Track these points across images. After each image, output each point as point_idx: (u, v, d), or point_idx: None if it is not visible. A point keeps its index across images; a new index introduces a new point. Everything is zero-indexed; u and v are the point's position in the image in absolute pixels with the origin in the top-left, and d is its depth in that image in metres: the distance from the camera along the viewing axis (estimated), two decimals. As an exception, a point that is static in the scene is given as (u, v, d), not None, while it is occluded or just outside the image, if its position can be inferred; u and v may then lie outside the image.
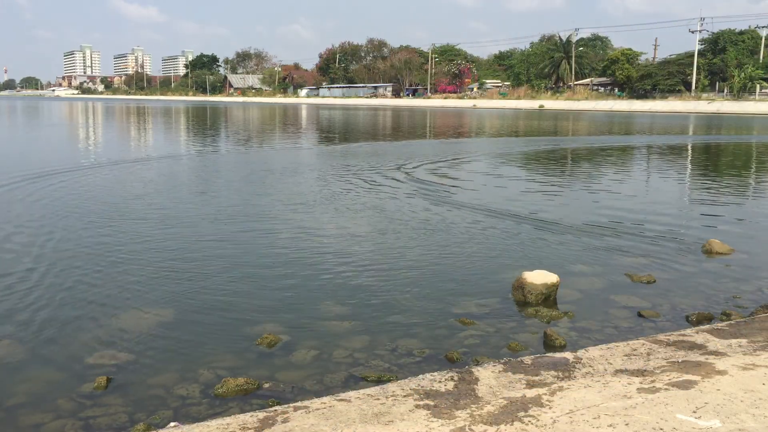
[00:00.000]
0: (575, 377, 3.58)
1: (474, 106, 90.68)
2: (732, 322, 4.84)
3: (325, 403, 3.28)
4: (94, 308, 5.67)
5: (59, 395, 4.11)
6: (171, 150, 22.66)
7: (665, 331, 4.93)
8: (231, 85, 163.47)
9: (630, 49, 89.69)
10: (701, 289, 6.37)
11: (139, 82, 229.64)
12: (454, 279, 6.61)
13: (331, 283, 6.45)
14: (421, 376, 3.66)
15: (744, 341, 4.14)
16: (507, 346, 4.87)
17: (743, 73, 71.69)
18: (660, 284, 6.47)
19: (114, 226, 9.09)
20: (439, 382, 3.54)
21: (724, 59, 77.63)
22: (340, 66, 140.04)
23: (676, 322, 5.43)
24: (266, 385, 4.23)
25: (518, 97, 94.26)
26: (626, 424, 2.94)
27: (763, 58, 76.94)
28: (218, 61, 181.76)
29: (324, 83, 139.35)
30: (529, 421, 2.99)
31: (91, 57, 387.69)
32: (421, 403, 3.24)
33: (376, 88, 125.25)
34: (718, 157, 22.50)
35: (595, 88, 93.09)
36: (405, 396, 3.34)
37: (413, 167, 16.56)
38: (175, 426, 3.47)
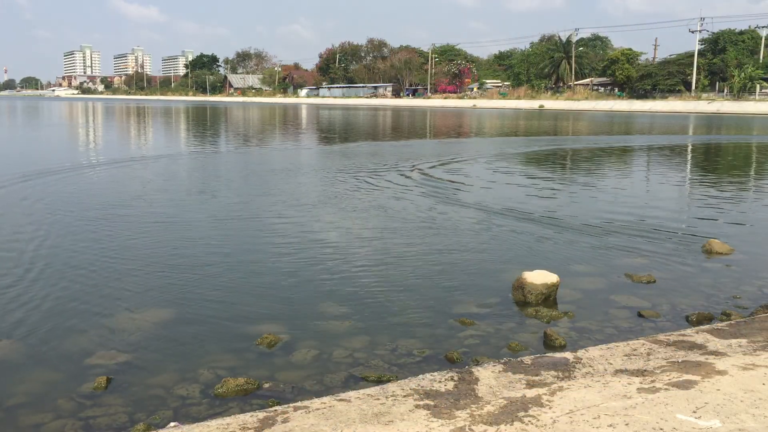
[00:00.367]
0: (575, 377, 3.58)
1: (474, 106, 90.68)
2: (732, 322, 4.84)
3: (325, 403, 3.28)
4: (94, 308, 5.67)
5: (59, 395, 4.11)
6: (171, 150, 22.66)
7: (665, 331, 4.93)
8: (231, 85, 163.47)
9: (630, 49, 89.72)
10: (701, 289, 6.36)
11: (139, 82, 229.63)
12: (454, 279, 6.61)
13: (331, 283, 6.45)
14: (421, 376, 3.66)
15: (744, 341, 4.14)
16: (507, 346, 4.87)
17: (743, 73, 71.69)
18: (660, 284, 6.47)
19: (114, 225, 9.09)
20: (439, 382, 3.54)
21: (724, 59, 77.63)
22: (340, 66, 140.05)
23: (676, 322, 5.43)
24: (266, 385, 4.23)
25: (518, 97, 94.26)
26: (626, 424, 2.94)
27: (763, 58, 76.95)
28: (218, 61, 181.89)
29: (324, 83, 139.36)
30: (529, 421, 2.99)
31: (91, 57, 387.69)
32: (421, 403, 3.24)
33: (376, 88, 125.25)
34: (718, 157, 22.50)
35: (595, 88, 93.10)
36: (405, 396, 3.34)
37: (414, 167, 16.56)
38: (175, 426, 3.47)
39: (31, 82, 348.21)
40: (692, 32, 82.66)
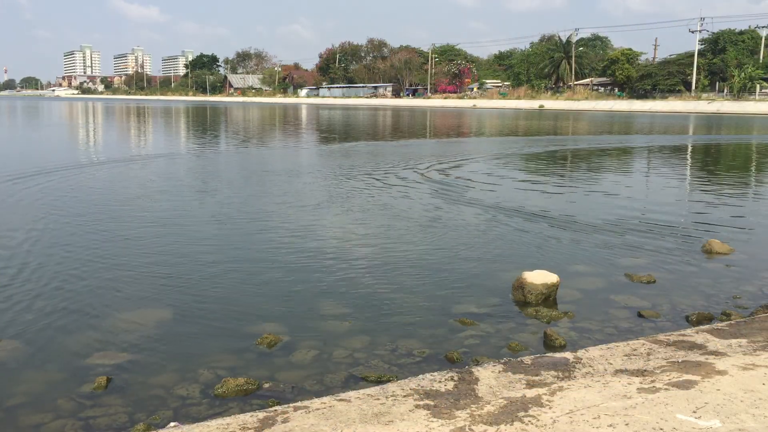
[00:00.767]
0: (575, 377, 3.58)
1: (474, 106, 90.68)
2: (732, 322, 4.84)
3: (325, 403, 3.28)
4: (94, 308, 5.67)
5: (59, 395, 4.11)
6: (171, 149, 22.67)
7: (665, 331, 4.93)
8: (231, 85, 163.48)
9: (630, 49, 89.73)
10: (701, 289, 6.36)
11: (139, 82, 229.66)
12: (454, 279, 6.61)
13: (331, 283, 6.45)
14: (421, 376, 3.66)
15: (744, 341, 4.14)
16: (507, 346, 4.87)
17: (743, 73, 71.70)
18: (660, 284, 6.47)
19: (114, 225, 9.09)
20: (439, 382, 3.54)
21: (724, 59, 77.64)
22: (340, 66, 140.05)
23: (676, 322, 5.43)
24: (266, 385, 4.23)
25: (518, 97, 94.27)
26: (626, 424, 2.94)
27: (763, 58, 76.95)
28: (218, 61, 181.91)
29: (324, 83, 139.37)
30: (529, 421, 2.99)
31: (91, 57, 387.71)
32: (421, 403, 3.24)
33: (376, 88, 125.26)
34: (718, 157, 22.51)
35: (595, 88, 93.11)
36: (405, 396, 3.34)
37: (414, 167, 16.56)
38: (175, 426, 3.47)
39: (31, 82, 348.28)
40: (692, 32, 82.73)
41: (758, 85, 71.80)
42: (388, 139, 28.65)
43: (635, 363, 3.79)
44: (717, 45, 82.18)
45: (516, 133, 34.10)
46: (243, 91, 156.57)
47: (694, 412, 3.06)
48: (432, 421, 3.01)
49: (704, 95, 75.84)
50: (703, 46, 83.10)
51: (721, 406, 3.12)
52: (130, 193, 12.18)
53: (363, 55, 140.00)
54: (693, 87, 78.59)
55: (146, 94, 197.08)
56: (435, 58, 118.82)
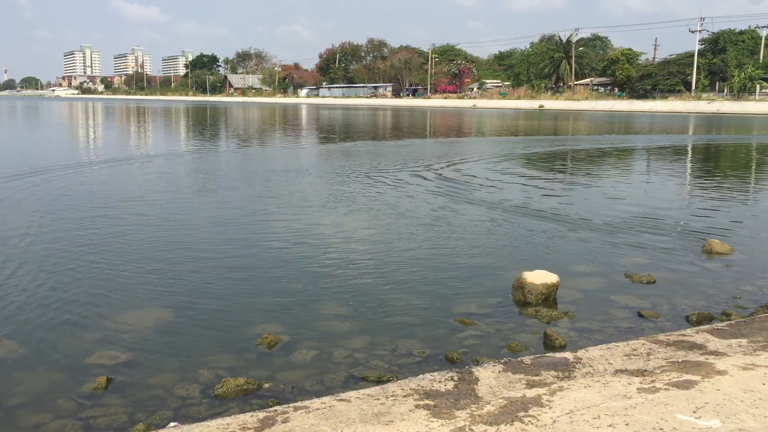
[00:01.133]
0: (575, 377, 3.58)
1: (474, 106, 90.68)
2: (732, 322, 4.84)
3: (325, 403, 3.28)
4: (94, 308, 5.67)
5: (59, 395, 4.11)
6: (172, 149, 22.67)
7: (665, 331, 4.93)
8: (231, 85, 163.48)
9: (630, 49, 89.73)
10: (701, 289, 6.36)
11: (139, 82, 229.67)
12: (454, 279, 6.61)
13: (331, 283, 6.45)
14: (421, 376, 3.66)
15: (744, 341, 4.14)
16: (507, 346, 4.87)
17: (743, 73, 71.70)
18: (660, 284, 6.47)
19: (114, 225, 9.09)
20: (439, 382, 3.54)
21: (724, 59, 77.65)
22: (340, 66, 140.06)
23: (676, 322, 5.43)
24: (266, 385, 4.23)
25: (518, 97, 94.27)
26: (626, 424, 2.94)
27: (763, 58, 76.96)
28: (218, 61, 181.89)
29: (324, 83, 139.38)
30: (529, 421, 2.99)
31: (91, 57, 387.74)
32: (421, 403, 3.24)
33: (376, 88, 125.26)
34: (718, 157, 22.51)
35: (595, 88, 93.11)
36: (405, 396, 3.34)
37: (415, 167, 16.56)
38: (175, 426, 3.47)
39: (31, 82, 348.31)
40: (692, 32, 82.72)
41: (758, 85, 71.79)
42: (388, 139, 28.65)
43: (635, 363, 3.79)
44: (717, 45, 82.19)
45: (516, 133, 34.10)
46: (243, 91, 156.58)
47: (694, 412, 3.06)
48: (432, 421, 3.01)
49: (704, 95, 75.83)
50: (703, 46, 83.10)
51: (721, 406, 3.12)
52: (129, 193, 12.18)
53: (363, 55, 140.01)
54: (693, 87, 78.59)
55: (146, 94, 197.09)
56: (435, 58, 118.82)
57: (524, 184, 13.95)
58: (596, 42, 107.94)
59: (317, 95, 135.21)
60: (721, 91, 76.52)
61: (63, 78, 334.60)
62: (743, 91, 71.99)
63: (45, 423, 3.79)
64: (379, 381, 4.19)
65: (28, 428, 3.75)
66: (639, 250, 7.85)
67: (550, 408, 3.14)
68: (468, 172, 15.70)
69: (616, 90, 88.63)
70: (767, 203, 12.34)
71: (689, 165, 19.89)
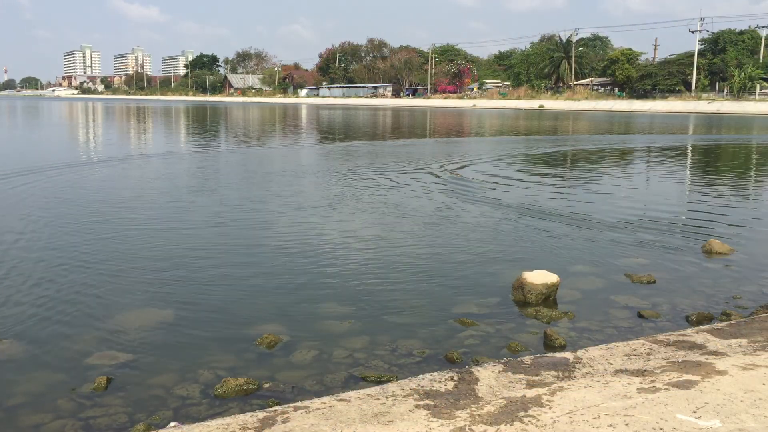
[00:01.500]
0: (575, 377, 3.58)
1: (474, 106, 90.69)
2: (732, 322, 4.84)
3: (325, 403, 3.28)
4: (94, 308, 5.67)
5: (59, 395, 4.11)
6: (172, 149, 22.66)
7: (665, 331, 4.93)
8: (231, 85, 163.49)
9: (630, 49, 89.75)
10: (701, 289, 6.36)
11: (139, 82, 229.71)
12: (454, 279, 6.61)
13: (331, 283, 6.45)
14: (421, 376, 3.66)
15: (744, 341, 4.14)
16: (507, 346, 4.87)
17: (743, 73, 71.71)
18: (660, 284, 6.47)
19: (114, 225, 9.09)
20: (439, 382, 3.54)
21: (724, 59, 77.66)
22: (340, 66, 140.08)
23: (676, 322, 5.43)
24: (266, 385, 4.23)
25: (518, 97, 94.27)
26: (626, 424, 2.94)
27: (763, 58, 76.96)
28: (218, 61, 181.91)
29: (324, 83, 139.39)
30: (529, 421, 2.99)
31: (91, 57, 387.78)
32: (421, 403, 3.24)
33: (376, 88, 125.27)
34: (718, 157, 22.51)
35: (595, 88, 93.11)
36: (405, 396, 3.34)
37: (415, 167, 16.56)
38: (175, 426, 3.47)
39: (31, 82, 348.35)
40: (692, 32, 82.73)
41: (758, 85, 71.80)
42: (388, 139, 28.65)
43: (635, 363, 3.79)
44: (717, 45, 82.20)
45: (516, 133, 34.09)
46: (243, 91, 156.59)
47: (694, 412, 3.06)
48: (432, 421, 3.01)
49: (704, 95, 75.85)
50: (703, 46, 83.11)
51: (721, 406, 3.12)
52: (129, 193, 12.18)
53: (363, 55, 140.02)
54: (693, 87, 78.60)
55: (146, 94, 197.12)
56: (435, 58, 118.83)
57: (524, 184, 13.95)
58: (596, 42, 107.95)
59: (317, 95, 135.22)
60: (721, 91, 76.53)
61: (63, 78, 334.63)
62: (743, 91, 71.99)
63: (45, 423, 3.79)
64: (379, 381, 4.19)
65: (28, 428, 3.75)
66: (639, 250, 7.85)
67: (550, 408, 3.14)
68: (468, 172, 15.70)
69: (616, 90, 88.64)
70: (767, 203, 12.34)
71: (689, 165, 19.89)
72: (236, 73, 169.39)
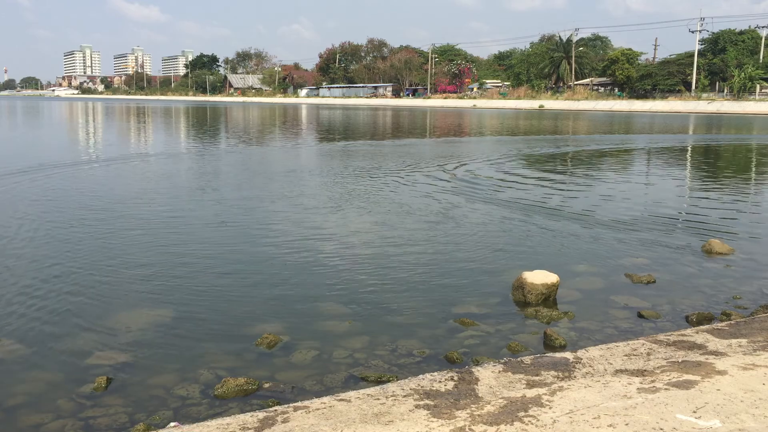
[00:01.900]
0: (575, 377, 3.58)
1: (474, 106, 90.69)
2: (732, 322, 4.84)
3: (325, 403, 3.28)
4: (94, 308, 5.67)
5: (59, 395, 4.11)
6: (172, 148, 22.65)
7: (665, 331, 4.93)
8: (231, 85, 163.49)
9: (630, 49, 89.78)
10: (701, 289, 6.36)
11: (139, 82, 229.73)
12: (454, 279, 6.61)
13: (331, 283, 6.45)
14: (421, 376, 3.66)
15: (744, 341, 4.14)
16: (507, 346, 4.87)
17: (743, 73, 71.71)
18: (660, 284, 6.47)
19: (114, 225, 9.09)
20: (439, 382, 3.54)
21: (724, 59, 77.67)
22: (340, 66, 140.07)
23: (676, 322, 5.43)
24: (266, 385, 4.23)
25: (518, 97, 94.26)
26: (626, 424, 2.94)
27: (763, 58, 76.96)
28: (218, 61, 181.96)
29: (324, 83, 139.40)
30: (529, 421, 2.99)
31: (91, 57, 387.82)
32: (421, 403, 3.24)
33: (376, 88, 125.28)
34: (718, 157, 22.50)
35: (595, 88, 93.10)
36: (405, 396, 3.34)
37: (414, 168, 16.56)
38: (175, 426, 3.47)
39: (31, 82, 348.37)
40: (692, 32, 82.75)
41: (758, 85, 71.81)
42: (388, 139, 28.65)
43: (635, 363, 3.79)
44: (717, 45, 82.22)
45: (516, 133, 34.08)
46: (243, 91, 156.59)
47: (694, 412, 3.06)
48: (432, 421, 3.01)
49: (704, 95, 75.86)
50: (703, 46, 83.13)
51: (721, 406, 3.12)
52: (129, 192, 12.18)
53: (363, 55, 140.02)
54: (693, 87, 78.60)
55: (146, 94, 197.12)
56: (435, 58, 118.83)
57: (524, 184, 13.95)
58: (596, 42, 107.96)
59: (317, 95, 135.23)
60: (721, 91, 76.54)
61: (63, 78, 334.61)
62: (743, 91, 72.00)
63: (45, 423, 3.79)
64: (379, 381, 4.19)
65: (28, 428, 3.75)
66: (639, 250, 7.85)
67: (550, 408, 3.14)
68: (468, 173, 15.70)
69: (616, 90, 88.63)
70: (767, 203, 12.34)
71: (689, 165, 19.89)
72: (236, 73, 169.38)
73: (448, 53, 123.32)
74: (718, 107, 67.53)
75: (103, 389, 4.17)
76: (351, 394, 3.44)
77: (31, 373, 4.43)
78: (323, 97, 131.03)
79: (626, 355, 3.94)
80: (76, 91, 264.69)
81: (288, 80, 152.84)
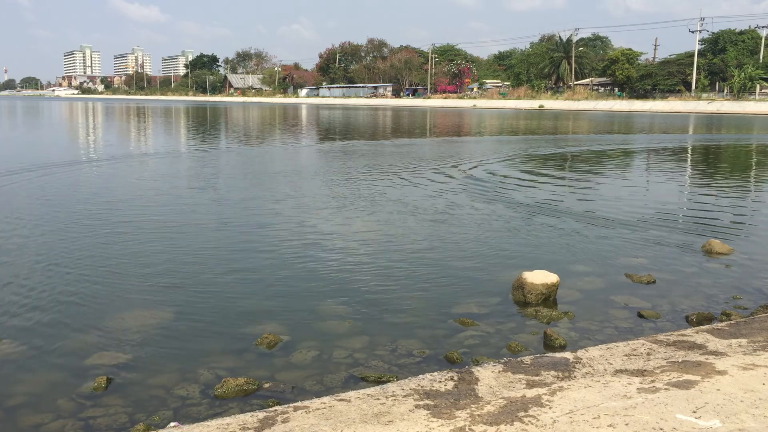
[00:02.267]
0: (575, 377, 3.58)
1: (474, 106, 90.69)
2: (732, 322, 4.84)
3: (325, 403, 3.28)
4: (94, 308, 5.67)
5: (59, 395, 4.11)
6: (172, 148, 22.65)
7: (665, 331, 4.93)
8: (231, 85, 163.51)
9: (630, 49, 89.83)
10: (701, 289, 6.36)
11: (139, 82, 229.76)
12: (454, 279, 6.61)
13: (331, 283, 6.45)
14: (421, 376, 3.66)
15: (744, 341, 4.14)
16: (507, 346, 4.87)
17: (743, 73, 71.73)
18: (660, 284, 6.47)
19: (114, 225, 9.09)
20: (439, 382, 3.54)
21: (724, 59, 77.69)
22: (340, 66, 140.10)
23: (676, 322, 5.43)
24: (266, 385, 4.23)
25: (518, 97, 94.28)
26: (626, 424, 2.94)
27: (763, 58, 76.98)
28: (218, 61, 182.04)
29: (324, 83, 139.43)
30: (529, 421, 2.99)
31: (91, 57, 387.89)
32: (421, 403, 3.24)
33: (376, 88, 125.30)
34: (719, 157, 22.50)
35: (595, 88, 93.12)
36: (405, 396, 3.34)
37: (414, 168, 16.56)
38: (175, 426, 3.47)
39: (31, 82, 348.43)
40: (692, 32, 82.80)
41: (758, 85, 71.83)
42: (388, 139, 28.64)
43: (635, 363, 3.79)
44: (717, 45, 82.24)
45: (516, 133, 34.08)
46: (243, 91, 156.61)
47: (694, 412, 3.06)
48: (432, 421, 3.01)
49: (704, 95, 75.88)
50: (703, 46, 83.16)
51: (721, 406, 3.12)
52: (129, 192, 12.18)
53: (363, 55, 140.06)
54: (693, 87, 78.63)
55: (146, 94, 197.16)
56: (435, 58, 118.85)
57: (524, 184, 13.95)
58: (596, 42, 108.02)
59: (317, 95, 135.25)
60: (721, 91, 76.56)
61: (63, 78, 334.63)
62: (743, 91, 72.02)
63: (45, 423, 3.79)
64: (379, 381, 4.19)
65: (28, 428, 3.75)
66: (639, 250, 7.85)
67: (550, 408, 3.14)
68: (468, 172, 15.70)
69: (616, 90, 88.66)
70: (767, 203, 12.34)
71: (689, 165, 19.89)
72: (236, 73, 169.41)
73: (448, 53, 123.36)
74: (718, 107, 67.54)
75: (103, 389, 4.17)
76: (351, 394, 3.44)
77: (31, 373, 4.43)
78: (323, 97, 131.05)
79: (626, 355, 3.93)
80: (76, 91, 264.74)
81: (288, 80, 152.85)
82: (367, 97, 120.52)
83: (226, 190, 12.77)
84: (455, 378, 3.58)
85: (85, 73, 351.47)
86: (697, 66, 78.86)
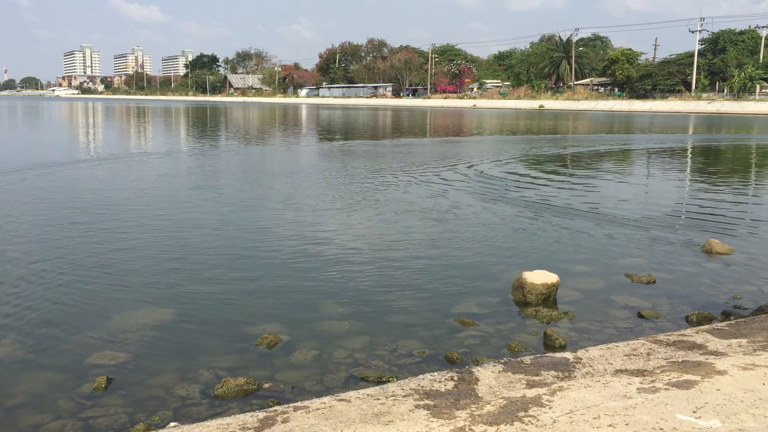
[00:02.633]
0: (575, 377, 3.57)
1: (474, 106, 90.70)
2: (732, 322, 4.84)
3: (325, 403, 3.28)
4: (94, 308, 5.67)
5: (59, 395, 4.11)
6: (172, 148, 22.64)
7: (665, 331, 4.93)
8: (231, 85, 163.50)
9: (630, 49, 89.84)
10: (701, 289, 6.36)
11: (139, 82, 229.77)
12: (454, 279, 6.61)
13: (331, 283, 6.45)
14: (421, 376, 3.66)
15: (744, 341, 4.14)
16: (507, 346, 4.87)
17: (743, 73, 71.74)
18: (660, 284, 6.47)
19: (114, 224, 9.09)
20: (439, 382, 3.54)
21: (724, 59, 77.69)
22: (340, 66, 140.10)
23: (676, 322, 5.43)
24: (266, 385, 4.23)
25: (518, 97, 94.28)
26: (626, 424, 2.94)
27: (763, 58, 76.98)
28: (218, 61, 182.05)
29: (324, 83, 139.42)
30: (529, 421, 2.99)
31: (91, 57, 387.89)
32: (421, 403, 3.24)
33: (376, 88, 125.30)
34: (718, 157, 22.50)
35: (595, 88, 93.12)
36: (405, 396, 3.34)
37: (414, 168, 16.56)
38: (175, 426, 3.47)
39: (31, 82, 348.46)
40: (692, 32, 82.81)
41: (758, 85, 71.83)
42: (388, 139, 28.64)
43: (635, 363, 3.79)
44: (717, 45, 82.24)
45: (516, 133, 34.07)
46: (243, 91, 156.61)
47: (694, 412, 3.06)
48: (432, 421, 3.01)
49: (704, 95, 75.89)
50: (703, 46, 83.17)
51: (721, 406, 3.12)
52: (129, 192, 12.17)
53: (363, 55, 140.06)
54: (693, 87, 78.63)
55: (146, 94, 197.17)
56: (435, 58, 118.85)
57: (524, 184, 13.95)
58: (596, 42, 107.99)
59: (317, 95, 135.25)
60: (721, 91, 76.57)
61: (63, 78, 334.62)
62: (743, 91, 72.02)
63: (45, 423, 3.79)
64: (379, 381, 4.19)
65: (28, 428, 3.75)
66: (639, 250, 7.85)
67: (550, 408, 3.14)
68: (468, 172, 15.70)
69: (616, 90, 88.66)
70: (767, 203, 12.34)
71: (689, 165, 19.89)
72: (236, 73, 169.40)
73: (448, 53, 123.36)
74: (718, 107, 67.54)
75: (103, 389, 4.17)
76: (351, 394, 3.44)
77: (31, 373, 4.43)
78: (323, 97, 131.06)
79: (626, 355, 3.93)
80: (76, 91, 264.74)
81: (288, 80, 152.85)
82: (367, 97, 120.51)
83: (226, 190, 12.77)
84: (455, 378, 3.58)
85: (85, 73, 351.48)
86: (697, 66, 78.86)
